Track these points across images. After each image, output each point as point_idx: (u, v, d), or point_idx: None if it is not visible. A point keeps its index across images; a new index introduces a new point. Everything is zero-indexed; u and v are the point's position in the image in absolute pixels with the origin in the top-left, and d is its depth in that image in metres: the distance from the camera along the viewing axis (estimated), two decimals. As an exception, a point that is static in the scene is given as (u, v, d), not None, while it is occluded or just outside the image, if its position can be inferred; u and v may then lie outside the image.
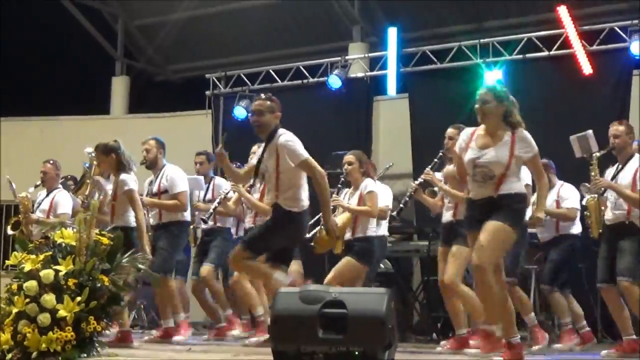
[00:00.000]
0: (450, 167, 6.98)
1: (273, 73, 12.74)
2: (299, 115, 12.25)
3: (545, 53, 10.87)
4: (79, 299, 4.98)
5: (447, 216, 7.25)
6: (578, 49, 10.41)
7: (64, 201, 8.84)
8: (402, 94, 12.00)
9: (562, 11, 10.55)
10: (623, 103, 10.14)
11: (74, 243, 5.17)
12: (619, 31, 10.45)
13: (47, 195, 8.95)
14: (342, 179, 7.87)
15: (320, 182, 6.27)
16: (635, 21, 10.26)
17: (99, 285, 5.07)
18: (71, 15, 15.03)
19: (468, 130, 5.95)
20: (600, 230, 7.23)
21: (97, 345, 5.14)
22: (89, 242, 5.18)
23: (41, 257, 5.15)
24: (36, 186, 9.03)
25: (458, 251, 6.89)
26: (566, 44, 10.59)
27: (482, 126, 5.86)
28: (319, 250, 7.33)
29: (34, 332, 4.92)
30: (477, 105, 5.83)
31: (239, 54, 15.15)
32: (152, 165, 8.09)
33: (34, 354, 4.92)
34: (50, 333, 4.91)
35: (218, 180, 9.01)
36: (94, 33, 15.42)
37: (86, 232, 5.18)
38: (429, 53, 11.66)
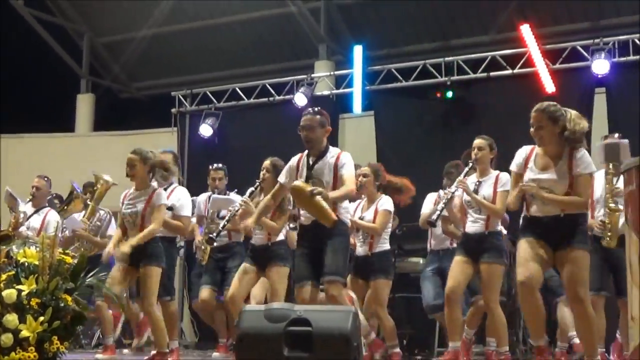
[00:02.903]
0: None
1: (239, 91, 12.74)
2: (265, 133, 12.31)
3: (509, 71, 10.98)
4: (42, 318, 4.92)
5: (476, 227, 6.96)
6: (541, 67, 10.54)
7: (54, 222, 8.58)
8: (367, 111, 12.07)
9: (525, 30, 10.69)
10: (586, 120, 10.22)
11: (37, 262, 5.12)
12: (581, 50, 10.60)
13: (36, 212, 8.72)
14: (257, 182, 7.51)
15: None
16: (597, 40, 10.41)
17: (62, 304, 5.02)
18: (36, 32, 14.95)
19: (527, 149, 5.84)
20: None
21: (60, 365, 5.08)
22: (52, 261, 5.13)
23: (4, 276, 5.09)
24: (28, 201, 8.83)
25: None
26: (529, 63, 10.71)
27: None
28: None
29: (-4, 353, 4.87)
30: (532, 129, 5.74)
31: (205, 72, 15.16)
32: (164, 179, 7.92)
33: (-4, 375, 4.86)
34: (13, 354, 4.85)
35: (232, 196, 8.73)
36: (58, 50, 15.35)
37: (49, 252, 5.13)
38: (394, 71, 11.73)
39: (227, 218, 8.02)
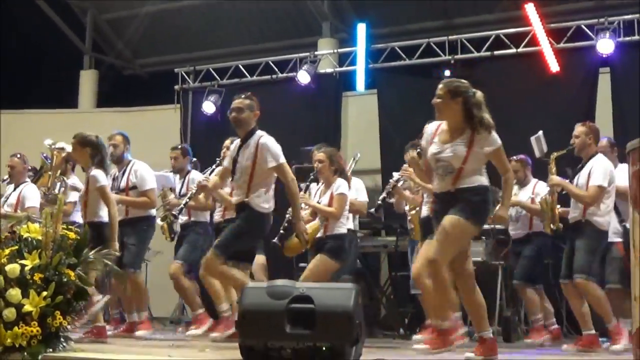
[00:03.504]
0: (411, 153, 6.92)
1: (242, 68, 12.71)
2: (268, 110, 12.14)
3: (513, 50, 10.94)
4: (44, 293, 4.93)
5: (424, 211, 7.26)
6: (545, 46, 10.50)
7: (31, 194, 8.62)
8: (370, 89, 12.03)
9: (530, 9, 10.64)
10: (589, 101, 10.23)
11: (40, 237, 5.13)
12: (585, 29, 10.54)
13: (15, 189, 8.83)
14: (312, 175, 7.86)
15: (292, 187, 6.53)
16: (602, 19, 10.35)
17: (65, 279, 5.03)
18: (40, 9, 14.92)
19: (434, 124, 5.91)
20: (554, 227, 7.41)
21: (63, 340, 5.10)
22: (56, 236, 5.14)
23: (7, 251, 5.10)
24: (3, 180, 8.92)
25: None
26: (534, 42, 10.68)
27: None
28: (289, 254, 7.50)
29: (-1, 327, 4.88)
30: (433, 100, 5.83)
31: (208, 49, 15.12)
32: (119, 160, 8.09)
33: (-1, 349, 4.88)
34: (16, 328, 4.86)
35: (194, 174, 8.91)
36: (62, 27, 15.32)
37: (52, 227, 5.14)
38: (398, 49, 11.69)
39: (188, 195, 8.45)
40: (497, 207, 6.02)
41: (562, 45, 10.63)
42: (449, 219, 5.54)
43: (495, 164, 5.76)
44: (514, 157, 8.21)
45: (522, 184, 8.37)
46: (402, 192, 7.79)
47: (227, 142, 7.84)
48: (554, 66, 10.44)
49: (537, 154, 7.78)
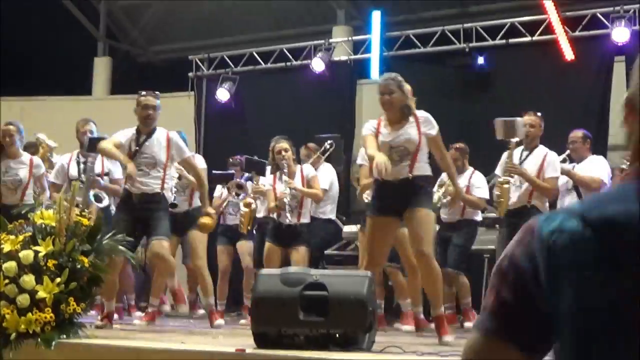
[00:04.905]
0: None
1: (256, 55, 12.70)
2: (282, 97, 12.28)
3: (528, 38, 10.89)
4: (58, 280, 4.95)
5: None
6: (560, 34, 10.44)
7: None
8: (385, 77, 11.97)
9: (545, -4, 10.58)
10: (604, 89, 10.18)
11: (53, 224, 5.15)
12: (601, 17, 10.48)
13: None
14: (275, 164, 7.94)
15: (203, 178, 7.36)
16: (618, 8, 10.29)
17: (78, 266, 5.05)
18: (54, -4, 14.93)
19: (373, 122, 6.11)
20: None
21: (76, 326, 5.12)
22: (69, 223, 5.15)
23: (20, 237, 5.12)
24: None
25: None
26: (549, 30, 10.62)
27: (384, 116, 6.06)
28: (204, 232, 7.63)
29: (12, 313, 4.89)
30: (383, 97, 6.02)
31: (222, 36, 15.08)
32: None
33: (13, 335, 4.90)
34: (29, 314, 4.89)
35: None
36: (76, 13, 15.32)
37: (66, 213, 5.15)
38: (413, 37, 11.66)
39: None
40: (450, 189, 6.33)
41: (577, 33, 10.57)
42: (425, 215, 5.84)
43: (434, 148, 6.11)
44: (455, 145, 8.31)
45: (460, 172, 8.29)
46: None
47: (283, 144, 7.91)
48: (569, 54, 10.38)
49: (500, 136, 7.63)
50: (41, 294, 4.92)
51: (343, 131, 11.13)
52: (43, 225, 5.19)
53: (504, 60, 10.98)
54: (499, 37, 11.05)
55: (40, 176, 8.16)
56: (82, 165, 8.10)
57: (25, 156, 8.23)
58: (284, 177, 7.74)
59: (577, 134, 7.93)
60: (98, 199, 7.90)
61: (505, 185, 7.24)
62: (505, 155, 7.32)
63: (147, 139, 6.91)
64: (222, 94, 12.41)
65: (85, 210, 7.73)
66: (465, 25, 11.32)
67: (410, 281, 7.17)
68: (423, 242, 5.80)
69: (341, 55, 12.25)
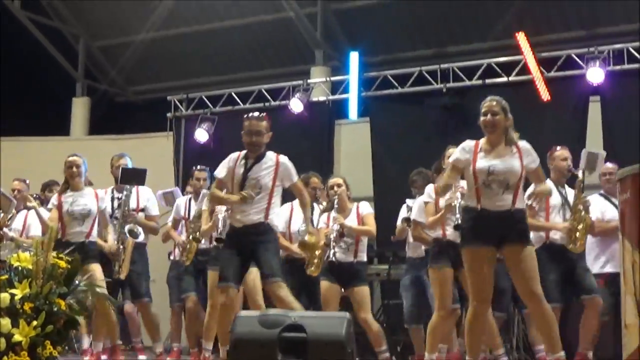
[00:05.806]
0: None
1: (235, 96, 12.74)
2: (260, 138, 12.27)
3: (505, 79, 10.99)
4: (35, 323, 4.90)
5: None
6: (536, 75, 10.56)
7: (36, 223, 8.41)
8: (363, 117, 12.05)
9: (521, 38, 10.70)
10: (580, 129, 10.29)
11: (30, 266, 5.10)
12: (576, 58, 10.62)
13: (17, 213, 8.65)
14: (326, 201, 7.81)
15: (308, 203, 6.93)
16: (592, 49, 10.43)
17: (55, 309, 5.00)
18: (31, 35, 14.92)
19: (470, 143, 5.93)
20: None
21: (53, 370, 5.06)
22: (46, 265, 5.11)
23: (-3, 280, 5.07)
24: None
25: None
26: (525, 70, 10.73)
27: (484, 139, 5.91)
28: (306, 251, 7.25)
29: (-12, 357, 4.84)
30: (486, 117, 5.90)
31: (201, 76, 15.16)
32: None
33: (-11, 379, 4.84)
34: (5, 358, 4.83)
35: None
36: (54, 53, 15.32)
37: (43, 255, 5.11)
38: (390, 77, 11.74)
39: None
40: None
41: (553, 74, 10.70)
42: (530, 251, 5.69)
43: (535, 179, 6.05)
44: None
45: None
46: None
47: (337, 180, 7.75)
48: (545, 95, 10.49)
49: (584, 166, 7.60)
50: (17, 337, 4.85)
51: (321, 171, 11.13)
52: (19, 268, 5.14)
53: (481, 100, 11.05)
54: (475, 77, 11.16)
55: (104, 210, 7.74)
56: (116, 202, 8.02)
57: (89, 189, 7.80)
58: (333, 214, 7.54)
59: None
60: (133, 234, 7.77)
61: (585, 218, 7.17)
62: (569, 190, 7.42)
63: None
64: (201, 135, 12.42)
65: (121, 245, 7.80)
66: (443, 65, 11.42)
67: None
68: (534, 281, 5.62)
69: (319, 95, 12.31)
